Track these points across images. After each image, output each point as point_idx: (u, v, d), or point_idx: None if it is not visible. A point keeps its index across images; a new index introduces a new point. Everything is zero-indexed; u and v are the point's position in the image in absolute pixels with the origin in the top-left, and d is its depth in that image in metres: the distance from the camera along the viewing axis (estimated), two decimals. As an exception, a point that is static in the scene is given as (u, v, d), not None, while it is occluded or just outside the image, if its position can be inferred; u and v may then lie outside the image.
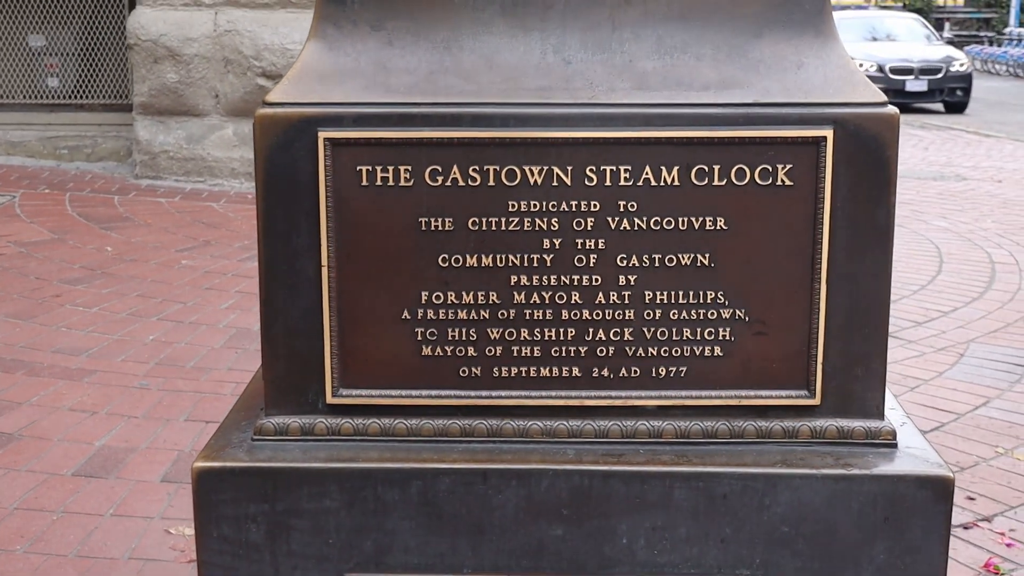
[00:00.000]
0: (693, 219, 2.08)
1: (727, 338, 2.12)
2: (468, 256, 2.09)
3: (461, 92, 2.08)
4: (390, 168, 2.06)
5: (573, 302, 2.10)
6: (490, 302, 2.11)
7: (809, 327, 2.10)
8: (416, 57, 2.11)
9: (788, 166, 2.05)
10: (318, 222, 2.07)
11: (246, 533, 2.11)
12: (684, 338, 2.12)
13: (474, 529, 2.11)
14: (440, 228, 2.08)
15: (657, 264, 2.09)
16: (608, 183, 2.06)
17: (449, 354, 2.13)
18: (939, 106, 21.23)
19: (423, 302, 2.11)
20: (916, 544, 2.09)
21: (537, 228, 2.07)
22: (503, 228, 2.08)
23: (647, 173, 2.06)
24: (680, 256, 2.09)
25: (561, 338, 2.12)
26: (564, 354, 2.13)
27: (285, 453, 2.13)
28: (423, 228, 2.08)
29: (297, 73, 2.11)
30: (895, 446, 2.15)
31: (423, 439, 2.14)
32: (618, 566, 2.11)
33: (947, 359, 5.61)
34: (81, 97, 10.20)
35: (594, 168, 2.06)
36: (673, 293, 2.10)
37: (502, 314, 2.11)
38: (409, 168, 2.06)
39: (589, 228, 2.08)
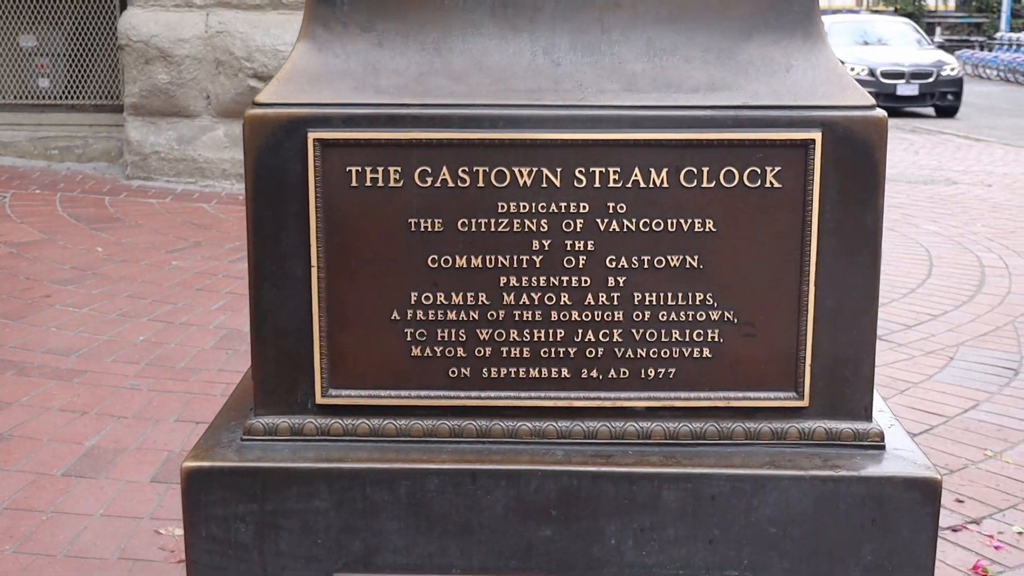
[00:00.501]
0: (682, 221, 2.08)
1: (716, 340, 2.12)
2: (457, 257, 2.09)
3: (451, 93, 2.08)
4: (379, 169, 2.06)
5: (562, 303, 2.11)
6: (479, 303, 2.11)
7: (797, 329, 2.11)
8: (406, 58, 2.11)
9: (777, 169, 2.06)
10: (307, 223, 2.07)
11: (235, 533, 2.11)
12: (673, 340, 2.12)
13: (463, 530, 2.11)
14: (429, 229, 2.08)
15: (646, 266, 2.09)
16: (597, 185, 2.06)
17: (438, 355, 2.13)
18: (930, 110, 21.26)
19: (412, 303, 2.11)
20: (904, 546, 2.10)
21: (526, 229, 2.08)
22: (492, 229, 2.08)
23: (636, 175, 2.06)
24: (669, 258, 2.09)
25: (550, 339, 2.12)
26: (553, 355, 2.13)
27: (274, 453, 2.13)
28: (412, 229, 2.08)
29: (287, 74, 2.11)
30: (883, 448, 2.15)
31: (412, 439, 2.14)
32: (606, 567, 2.12)
33: (936, 362, 5.62)
34: (72, 98, 10.18)
35: (583, 170, 2.06)
36: (662, 295, 2.10)
37: (491, 315, 2.11)
38: (398, 169, 2.06)
39: (578, 230, 2.08)
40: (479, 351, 2.13)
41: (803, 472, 2.08)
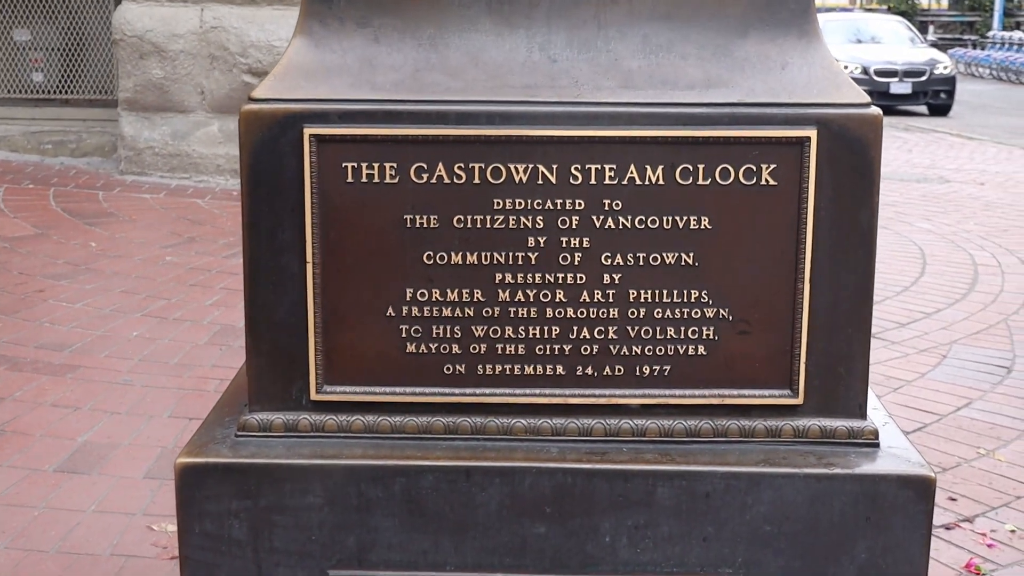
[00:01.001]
0: (677, 218, 2.08)
1: (711, 337, 2.12)
2: (453, 253, 2.09)
3: (447, 89, 2.08)
4: (375, 165, 2.05)
5: (557, 300, 2.11)
6: (475, 300, 2.11)
7: (792, 327, 2.11)
8: (402, 54, 2.11)
9: (772, 166, 2.06)
10: (303, 218, 2.07)
11: (229, 529, 2.11)
12: (668, 337, 2.12)
13: (457, 527, 2.10)
14: (425, 225, 2.08)
15: (641, 263, 2.09)
16: (593, 182, 2.06)
17: (433, 351, 2.13)
18: (923, 109, 21.27)
19: (408, 299, 2.11)
20: (898, 544, 2.10)
21: (522, 226, 2.08)
22: (488, 226, 2.08)
23: (632, 172, 2.06)
24: (664, 255, 2.09)
25: (545, 336, 2.12)
26: (548, 352, 2.13)
27: (269, 449, 2.12)
28: (408, 225, 2.08)
29: (283, 69, 2.10)
30: (877, 446, 2.15)
31: (407, 436, 2.14)
32: (601, 564, 2.11)
33: (930, 360, 5.62)
34: (66, 92, 10.17)
35: (579, 167, 2.06)
36: (657, 292, 2.10)
37: (486, 312, 2.11)
38: (394, 165, 2.05)
39: (574, 227, 2.08)
40: (474, 348, 2.12)
41: (797, 470, 2.09)
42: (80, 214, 7.83)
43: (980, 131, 17.46)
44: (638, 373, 2.13)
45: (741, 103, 2.07)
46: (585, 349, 2.13)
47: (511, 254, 2.09)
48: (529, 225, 2.08)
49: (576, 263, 2.09)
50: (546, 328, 2.12)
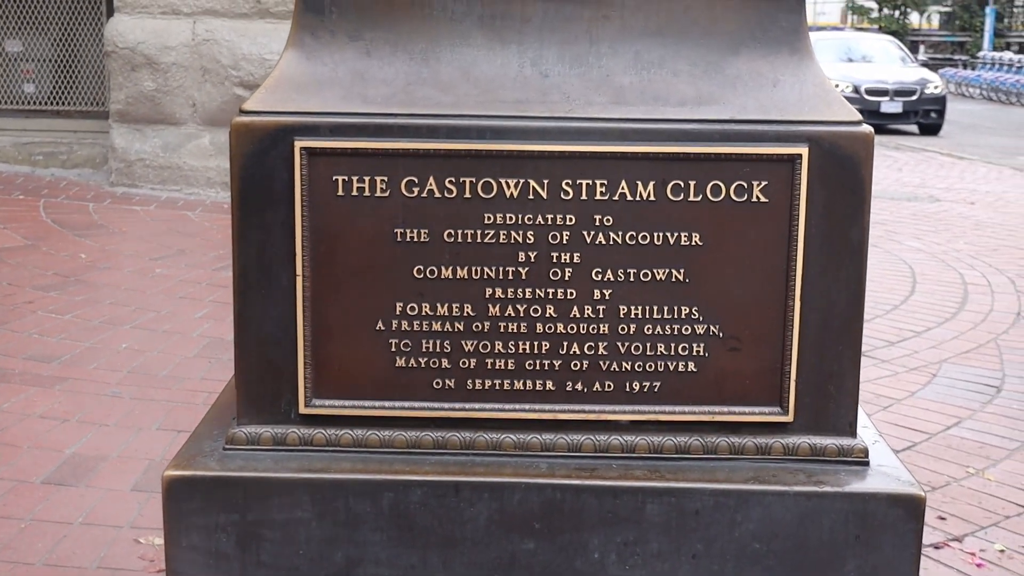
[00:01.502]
0: (668, 234, 2.08)
1: (701, 354, 2.12)
2: (443, 268, 2.08)
3: (438, 104, 2.08)
4: (366, 178, 2.05)
5: (548, 315, 2.10)
6: (465, 314, 2.10)
7: (783, 344, 2.11)
8: (394, 68, 2.11)
9: (763, 183, 2.06)
10: (293, 231, 2.06)
11: (216, 543, 2.10)
12: (658, 353, 2.12)
13: (445, 542, 2.10)
14: (415, 239, 2.07)
15: (632, 279, 2.09)
16: (584, 197, 2.06)
17: (423, 366, 2.12)
18: (913, 128, 21.32)
19: (397, 313, 2.10)
20: (887, 562, 2.09)
21: (512, 241, 2.07)
22: (478, 240, 2.07)
23: (623, 188, 2.06)
24: (655, 271, 2.09)
25: (535, 351, 2.12)
26: (538, 367, 2.12)
27: (257, 463, 2.11)
28: (398, 239, 2.07)
29: (274, 82, 2.10)
30: (867, 464, 2.15)
31: (396, 451, 2.14)
32: (589, 581, 2.11)
33: (919, 379, 5.62)
34: (57, 103, 10.16)
35: (570, 182, 2.06)
36: (647, 308, 2.10)
37: (476, 326, 2.11)
38: (385, 179, 2.05)
39: (564, 242, 2.08)
40: (463, 362, 2.12)
41: (787, 487, 2.08)
42: (70, 226, 7.82)
43: (970, 151, 17.51)
44: (628, 389, 2.13)
45: (733, 120, 2.07)
46: (575, 365, 2.12)
47: (501, 269, 2.08)
48: (520, 240, 2.07)
49: (566, 278, 2.09)
50: (536, 343, 2.11)
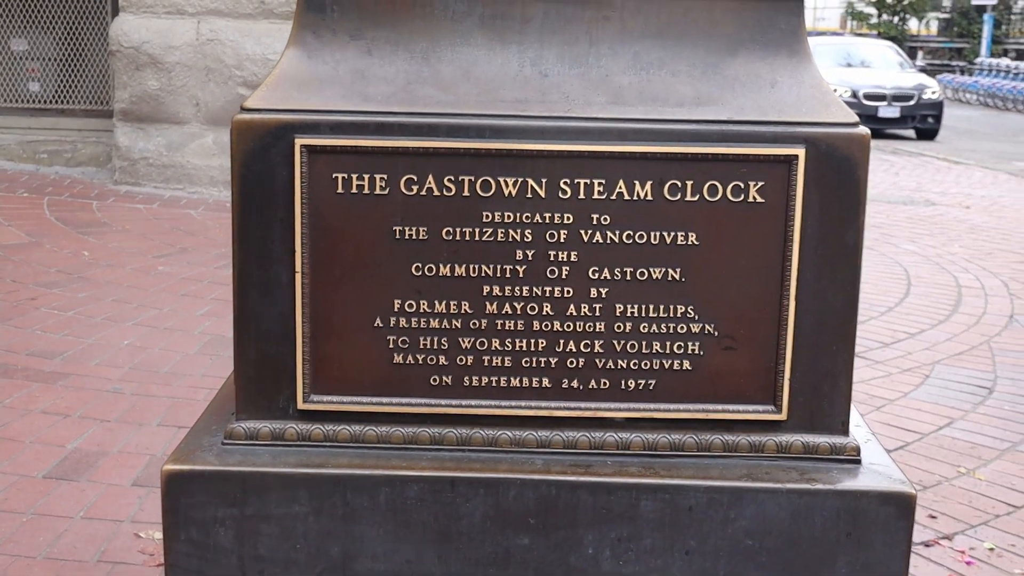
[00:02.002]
0: (665, 234, 2.08)
1: (696, 352, 2.12)
2: (441, 265, 2.08)
3: (438, 102, 2.08)
4: (366, 176, 2.05)
5: (544, 313, 2.10)
6: (462, 312, 2.10)
7: (777, 343, 2.11)
8: (394, 67, 2.11)
9: (760, 183, 2.06)
10: (293, 229, 2.06)
11: (214, 537, 2.10)
12: (653, 351, 2.12)
13: (441, 537, 2.10)
14: (414, 237, 2.07)
15: (628, 277, 2.09)
16: (582, 196, 2.06)
17: (420, 362, 2.12)
18: (911, 132, 21.31)
19: (396, 310, 2.10)
20: (878, 560, 2.09)
21: (510, 239, 2.07)
22: (477, 238, 2.07)
23: (621, 187, 2.06)
24: (651, 270, 2.09)
25: (532, 349, 2.11)
26: (534, 365, 2.12)
27: (255, 458, 2.11)
28: (397, 237, 2.07)
29: (275, 80, 2.10)
30: (859, 462, 2.15)
31: (393, 446, 2.13)
32: (584, 576, 2.11)
33: (913, 380, 5.62)
34: (62, 102, 10.15)
35: (568, 181, 2.05)
36: (643, 307, 2.10)
37: (474, 324, 2.11)
38: (385, 177, 2.05)
39: (562, 240, 2.08)
40: (461, 359, 2.12)
41: (780, 485, 2.08)
42: (73, 223, 7.82)
43: (967, 155, 17.51)
44: (623, 387, 2.13)
45: (730, 120, 2.07)
46: (571, 362, 2.12)
47: (499, 267, 2.08)
48: (517, 238, 2.07)
49: (563, 277, 2.09)
50: (533, 341, 2.11)
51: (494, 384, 2.12)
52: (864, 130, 2.07)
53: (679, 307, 2.10)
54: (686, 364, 2.12)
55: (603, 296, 2.10)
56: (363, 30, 2.12)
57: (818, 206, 2.07)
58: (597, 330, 2.11)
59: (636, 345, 2.11)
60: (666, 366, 2.12)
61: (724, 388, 2.13)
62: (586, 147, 2.05)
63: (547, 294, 2.09)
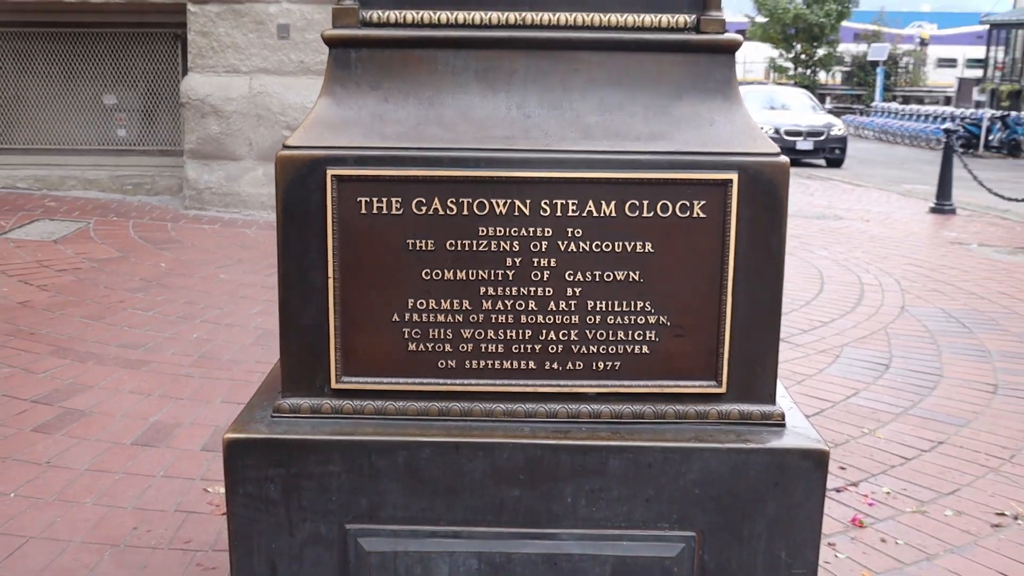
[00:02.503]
0: (627, 244, 2.06)
1: (653, 339, 2.10)
2: (445, 271, 2.06)
3: (442, 139, 2.06)
4: (384, 199, 2.03)
5: (530, 309, 2.08)
6: (463, 308, 2.08)
7: (717, 331, 2.09)
8: (406, 111, 2.09)
9: (702, 202, 2.04)
10: (326, 242, 2.04)
11: (266, 491, 2.08)
12: (618, 339, 2.10)
13: (448, 490, 2.08)
14: (423, 248, 2.05)
15: (597, 279, 2.07)
16: (559, 214, 2.04)
17: (430, 349, 2.10)
18: (822, 161, 21.29)
19: (409, 307, 2.08)
20: (799, 503, 2.08)
21: (501, 249, 2.05)
22: (474, 249, 2.05)
23: (590, 206, 2.04)
24: (616, 273, 2.07)
25: (520, 337, 2.10)
26: (522, 350, 2.10)
27: (298, 427, 2.09)
28: (410, 248, 2.05)
29: (311, 123, 2.08)
30: (784, 426, 2.14)
31: (408, 418, 2.11)
32: (564, 521, 2.09)
33: (826, 359, 5.62)
34: (143, 144, 10.13)
35: (547, 201, 2.04)
36: (610, 303, 2.08)
37: (473, 318, 2.09)
38: (399, 199, 2.03)
39: (543, 250, 2.06)
40: (462, 347, 2.10)
41: (721, 445, 2.06)
42: (153, 241, 7.79)
43: (866, 179, 17.52)
44: (594, 368, 2.11)
45: (678, 152, 2.05)
46: (551, 348, 2.10)
47: (492, 271, 2.06)
48: (507, 248, 2.05)
49: (544, 279, 2.07)
50: (520, 331, 2.09)
51: (490, 366, 2.10)
52: (785, 159, 2.06)
53: (638, 303, 2.08)
54: (644, 349, 2.10)
55: (577, 295, 2.08)
56: (381, 82, 2.10)
57: (749, 220, 2.05)
58: (572, 322, 2.09)
59: (604, 334, 2.10)
60: (628, 350, 2.10)
61: (675, 368, 2.11)
62: (561, 174, 2.03)
63: (531, 293, 2.07)
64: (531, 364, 2.11)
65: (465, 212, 2.04)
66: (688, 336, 2.10)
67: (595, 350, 2.11)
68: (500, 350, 2.10)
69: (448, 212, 2.04)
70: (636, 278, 2.07)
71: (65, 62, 9.95)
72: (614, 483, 2.07)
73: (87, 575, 3.03)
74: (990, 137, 25.76)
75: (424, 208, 2.04)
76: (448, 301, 2.08)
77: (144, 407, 4.40)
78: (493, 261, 2.06)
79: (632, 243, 2.06)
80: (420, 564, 2.10)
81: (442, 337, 2.10)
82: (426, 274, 2.07)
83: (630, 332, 2.10)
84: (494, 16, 2.08)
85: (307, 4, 8.86)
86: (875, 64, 43.66)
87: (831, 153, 21.20)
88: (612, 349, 2.11)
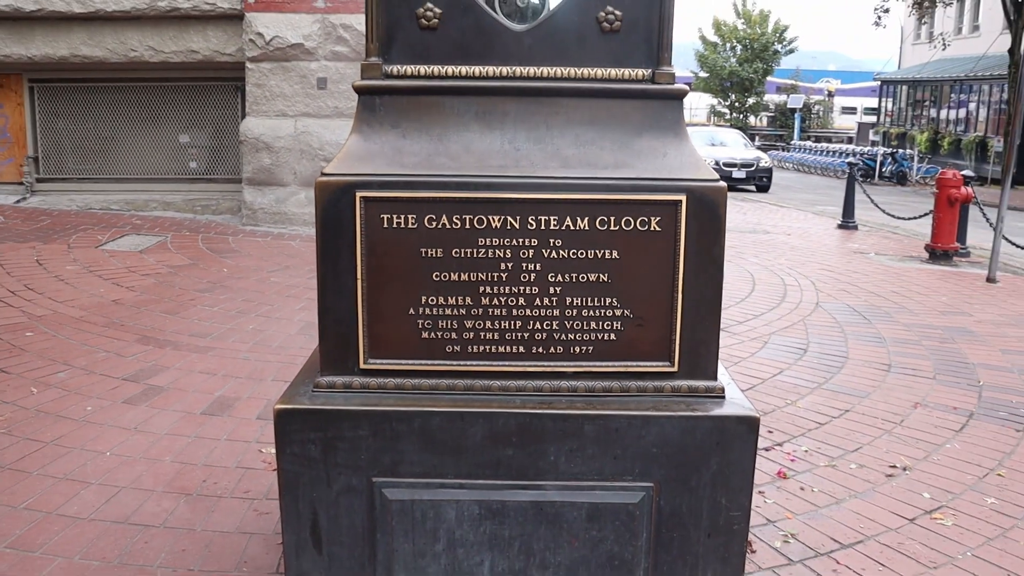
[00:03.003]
0: (598, 252, 2.05)
1: (619, 328, 2.09)
2: (452, 273, 2.05)
3: (449, 168, 2.04)
4: (402, 216, 2.02)
5: (520, 304, 2.07)
6: (466, 304, 2.07)
7: (671, 321, 2.08)
8: (420, 145, 2.07)
9: (658, 218, 2.03)
10: (355, 251, 2.03)
11: (308, 451, 2.06)
12: (591, 328, 2.09)
13: (455, 450, 2.06)
14: (434, 255, 2.04)
15: (574, 280, 2.06)
16: (543, 228, 2.03)
17: (439, 337, 2.09)
18: (752, 188, 21.29)
19: (422, 303, 2.07)
20: (736, 459, 2.07)
21: (496, 256, 2.04)
22: (475, 255, 2.04)
23: (568, 221, 2.03)
24: (589, 275, 2.06)
25: (512, 327, 2.08)
26: (514, 338, 2.09)
27: (333, 400, 2.08)
28: (423, 255, 2.04)
29: (343, 155, 2.07)
30: (723, 398, 2.12)
31: (422, 392, 2.10)
32: (548, 474, 2.08)
33: (756, 345, 5.61)
34: (210, 174, 10.09)
35: (534, 218, 2.03)
36: (585, 299, 2.07)
37: (474, 312, 2.07)
38: (414, 216, 2.02)
39: (530, 256, 2.05)
40: (466, 335, 2.09)
41: (674, 413, 2.05)
42: (217, 251, 7.76)
43: (787, 202, 17.52)
44: (572, 351, 2.10)
45: (638, 178, 2.04)
46: (538, 335, 2.09)
47: (489, 274, 2.05)
48: (501, 255, 2.04)
49: (532, 280, 2.06)
50: (512, 322, 2.08)
51: (488, 351, 2.09)
52: (723, 184, 2.05)
53: (607, 299, 2.07)
54: (612, 336, 2.09)
55: (558, 293, 2.07)
56: (399, 122, 2.08)
57: (695, 233, 2.04)
58: (554, 314, 2.08)
59: (580, 324, 2.08)
60: (600, 337, 2.09)
61: (637, 351, 2.10)
62: (545, 196, 2.02)
63: (521, 291, 2.06)
64: (521, 348, 2.10)
65: (467, 226, 2.03)
66: (647, 326, 2.09)
67: (573, 337, 2.09)
68: (496, 337, 2.09)
69: (454, 226, 2.03)
70: (605, 279, 2.06)
71: (149, 109, 9.92)
72: (588, 444, 2.06)
73: (167, 517, 3.02)
74: (883, 169, 25.83)
75: (434, 223, 2.02)
76: (454, 298, 2.06)
77: (211, 384, 4.37)
78: (490, 265, 2.05)
79: (602, 251, 2.05)
80: (432, 510, 2.08)
81: (449, 327, 2.08)
82: (436, 276, 2.05)
83: (601, 323, 2.09)
84: (490, 69, 2.07)
85: (340, 61, 8.85)
86: (793, 110, 43.87)
87: (760, 181, 21.21)
88: (586, 336, 2.09)
